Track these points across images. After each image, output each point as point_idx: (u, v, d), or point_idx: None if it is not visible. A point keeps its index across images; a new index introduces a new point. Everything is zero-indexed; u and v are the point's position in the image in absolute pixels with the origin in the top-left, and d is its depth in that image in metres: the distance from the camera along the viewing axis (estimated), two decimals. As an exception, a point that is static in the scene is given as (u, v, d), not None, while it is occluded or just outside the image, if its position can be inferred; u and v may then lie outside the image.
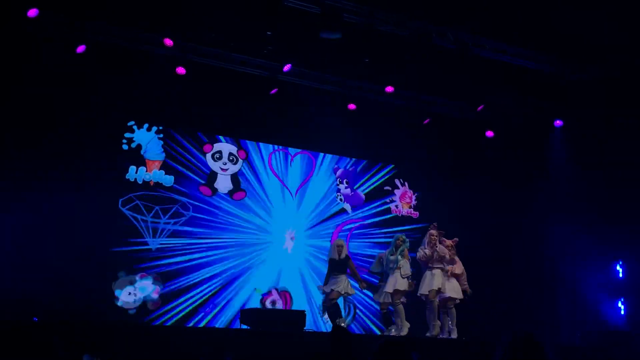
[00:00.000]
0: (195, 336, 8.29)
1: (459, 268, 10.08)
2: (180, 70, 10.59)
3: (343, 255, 10.03)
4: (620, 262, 11.62)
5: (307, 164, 12.59)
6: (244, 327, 9.42)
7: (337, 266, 10.01)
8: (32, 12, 9.24)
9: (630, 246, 11.28)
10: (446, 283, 9.76)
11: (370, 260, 11.46)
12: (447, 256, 9.76)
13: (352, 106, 11.88)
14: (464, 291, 9.98)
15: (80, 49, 9.92)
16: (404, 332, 9.62)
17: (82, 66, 10.04)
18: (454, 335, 9.77)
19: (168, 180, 11.25)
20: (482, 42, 10.44)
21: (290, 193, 12.31)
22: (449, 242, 10.04)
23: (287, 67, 11.10)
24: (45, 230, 9.83)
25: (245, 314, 9.79)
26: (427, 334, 9.72)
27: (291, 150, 12.45)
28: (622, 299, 11.47)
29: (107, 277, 10.50)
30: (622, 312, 11.43)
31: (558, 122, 12.17)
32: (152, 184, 11.11)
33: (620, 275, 11.61)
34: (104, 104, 10.52)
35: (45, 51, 9.62)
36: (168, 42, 10.24)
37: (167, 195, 11.20)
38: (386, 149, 12.90)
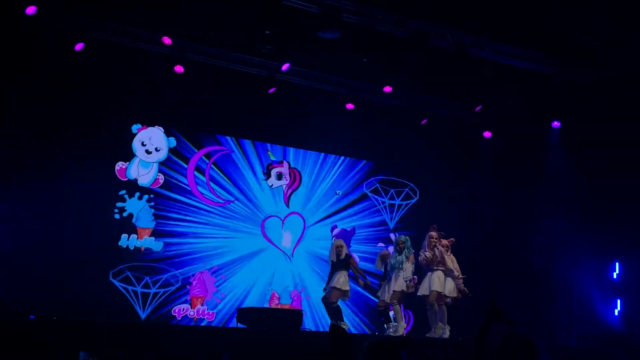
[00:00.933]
0: (193, 335, 8.28)
1: (454, 267, 10.07)
2: (179, 68, 10.57)
3: (343, 256, 10.00)
4: (617, 263, 11.62)
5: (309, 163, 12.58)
6: (241, 326, 9.41)
7: (338, 267, 9.98)
8: (30, 10, 9.21)
9: (627, 247, 11.28)
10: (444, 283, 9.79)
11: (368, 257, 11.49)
12: (445, 258, 9.79)
13: (350, 106, 11.87)
14: (461, 291, 9.98)
15: (79, 46, 9.90)
16: (400, 332, 9.68)
17: (79, 64, 10.01)
18: (447, 335, 9.77)
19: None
20: (481, 43, 10.44)
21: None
22: (445, 241, 10.04)
23: (285, 67, 11.09)
24: (43, 229, 9.82)
25: (242, 313, 9.78)
26: (428, 335, 9.76)
27: (291, 149, 12.41)
28: (619, 300, 11.46)
29: (104, 276, 10.48)
30: (619, 313, 11.43)
31: (556, 124, 12.16)
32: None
33: (617, 276, 11.61)
34: (101, 103, 10.50)
35: (44, 49, 9.59)
36: (166, 40, 10.23)
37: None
38: (384, 149, 12.88)
